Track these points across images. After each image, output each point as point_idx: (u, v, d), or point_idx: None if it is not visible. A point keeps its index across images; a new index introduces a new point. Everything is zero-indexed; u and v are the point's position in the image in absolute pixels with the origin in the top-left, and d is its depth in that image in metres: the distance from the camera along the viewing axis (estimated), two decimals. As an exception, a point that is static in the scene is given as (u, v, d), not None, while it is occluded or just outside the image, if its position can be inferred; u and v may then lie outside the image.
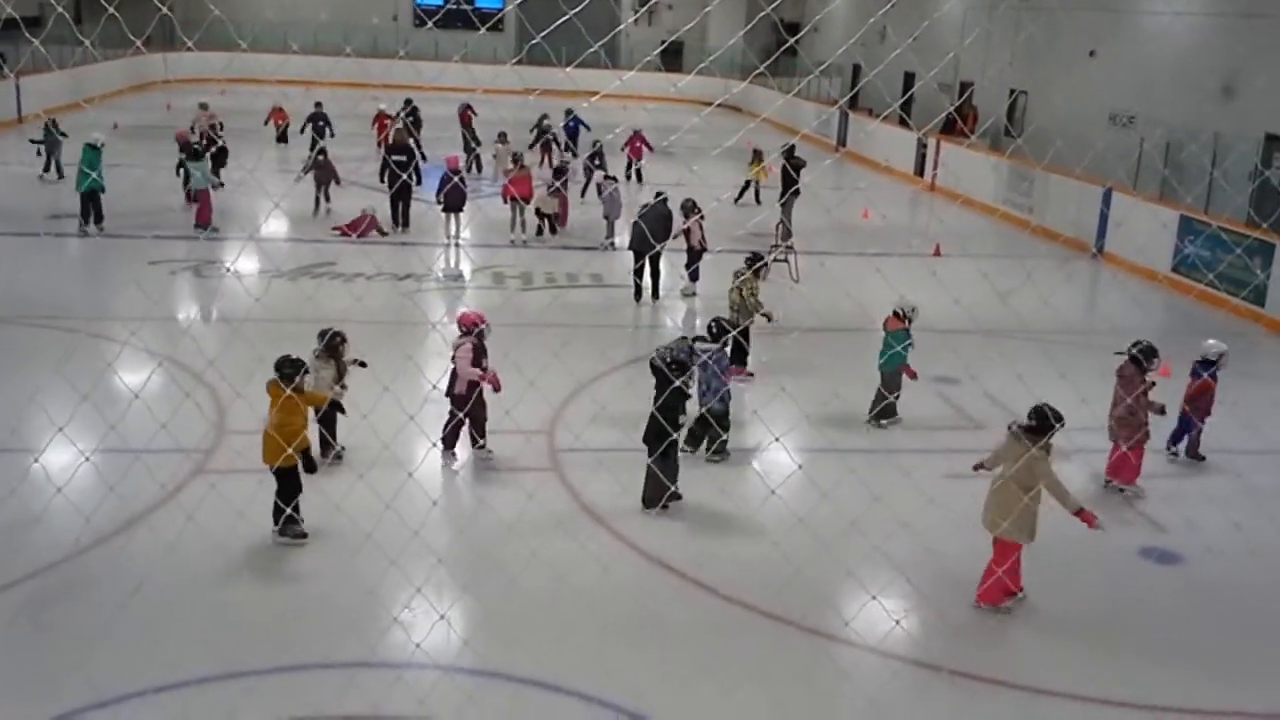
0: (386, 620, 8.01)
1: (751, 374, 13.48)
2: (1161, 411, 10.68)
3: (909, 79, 33.69)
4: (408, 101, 27.99)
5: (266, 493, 8.88)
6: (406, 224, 20.88)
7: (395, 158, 20.83)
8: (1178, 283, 19.33)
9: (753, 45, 44.33)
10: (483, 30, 44.68)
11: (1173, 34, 22.86)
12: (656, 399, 9.64)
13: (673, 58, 48.14)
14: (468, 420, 10.39)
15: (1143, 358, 10.59)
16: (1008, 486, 8.37)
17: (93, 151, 19.31)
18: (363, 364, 10.47)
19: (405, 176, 20.17)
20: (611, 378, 13.10)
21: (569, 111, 28.43)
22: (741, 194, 25.06)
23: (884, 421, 12.38)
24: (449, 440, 10.70)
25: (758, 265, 13.51)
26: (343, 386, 10.21)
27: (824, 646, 8.18)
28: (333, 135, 26.39)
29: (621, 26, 41.95)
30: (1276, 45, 19.54)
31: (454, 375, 10.35)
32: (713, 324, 11.22)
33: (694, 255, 17.30)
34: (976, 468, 9.03)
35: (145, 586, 8.00)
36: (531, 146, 26.98)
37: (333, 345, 10.19)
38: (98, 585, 8.40)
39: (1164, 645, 8.49)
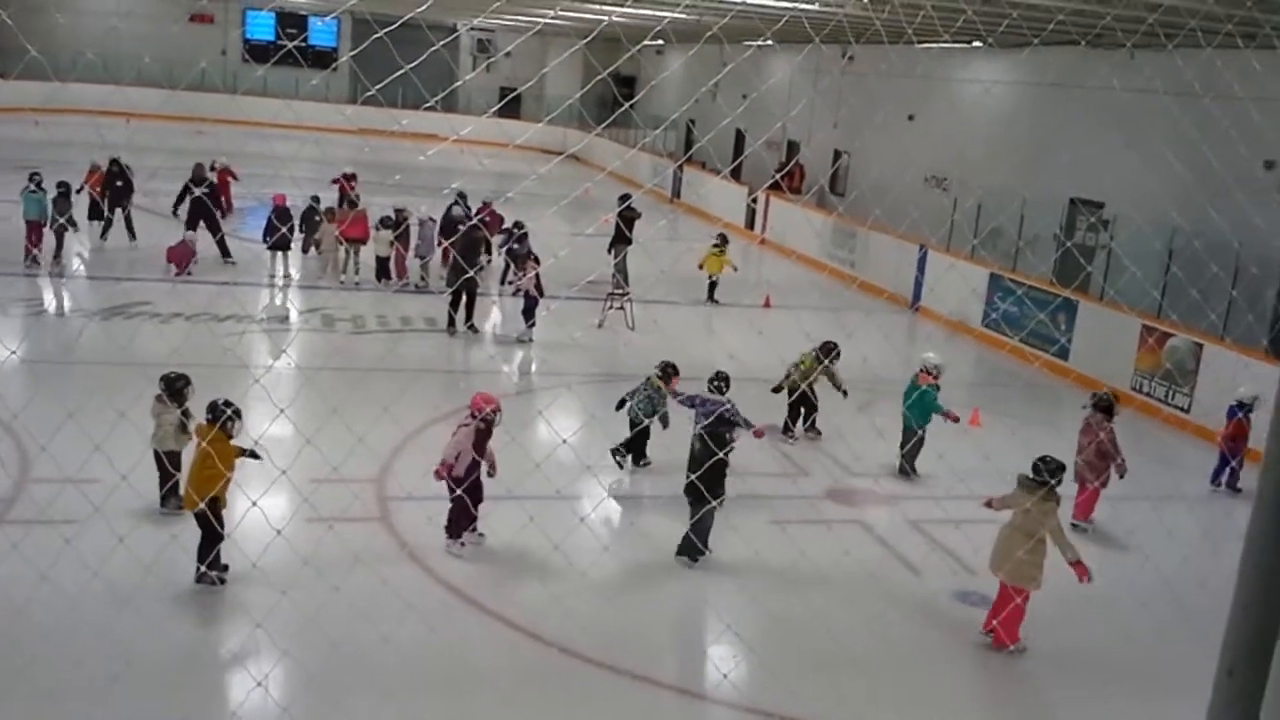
0: (202, 686, 7.66)
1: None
2: (1122, 474, 11.50)
3: (739, 136, 34.69)
4: (114, 160, 22.36)
5: (72, 551, 8.36)
6: (226, 254, 20.41)
7: (200, 189, 20.08)
8: (989, 337, 20.37)
9: (589, 95, 44.88)
10: (315, 80, 43.70)
11: (986, 102, 24.26)
12: (700, 454, 9.75)
13: (510, 104, 48.34)
14: (468, 503, 9.74)
15: (1109, 406, 11.60)
16: (1015, 534, 8.87)
17: None
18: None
19: (219, 224, 19.54)
20: (439, 427, 12.91)
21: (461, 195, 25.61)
22: (711, 292, 22.36)
23: (915, 471, 12.81)
24: (455, 527, 10.06)
25: (832, 354, 13.91)
26: (187, 435, 9.77)
27: (654, 696, 8.23)
28: None
29: (460, 82, 41.64)
30: (1081, 114, 20.94)
31: (457, 456, 9.86)
32: (715, 378, 11.27)
33: (531, 302, 17.34)
34: (988, 504, 9.43)
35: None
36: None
37: (176, 390, 9.78)
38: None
39: (974, 686, 8.86)
